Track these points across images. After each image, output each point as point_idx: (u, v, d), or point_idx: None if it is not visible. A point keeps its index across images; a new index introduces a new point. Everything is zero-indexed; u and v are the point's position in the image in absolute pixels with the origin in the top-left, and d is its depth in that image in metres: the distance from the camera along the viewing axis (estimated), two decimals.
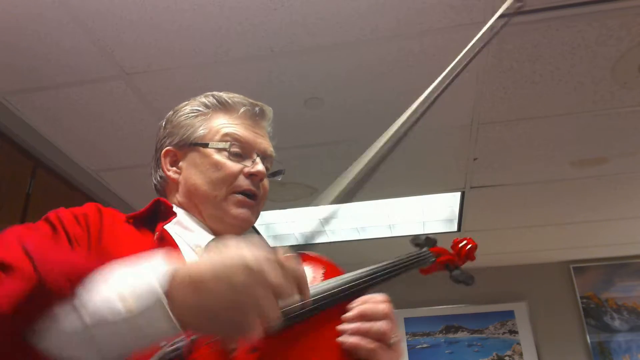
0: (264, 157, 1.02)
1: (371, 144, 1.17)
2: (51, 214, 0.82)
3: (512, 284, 3.95)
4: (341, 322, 0.80)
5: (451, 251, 1.11)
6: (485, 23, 1.77)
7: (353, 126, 2.34)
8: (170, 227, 0.91)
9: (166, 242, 0.86)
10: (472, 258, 1.09)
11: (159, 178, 1.05)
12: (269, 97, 2.13)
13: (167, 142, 1.03)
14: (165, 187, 1.04)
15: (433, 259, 1.07)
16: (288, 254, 0.62)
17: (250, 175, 0.97)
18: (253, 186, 0.98)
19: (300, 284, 0.62)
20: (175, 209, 0.97)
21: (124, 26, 1.77)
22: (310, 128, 2.34)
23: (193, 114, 1.03)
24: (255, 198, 0.98)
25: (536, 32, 1.82)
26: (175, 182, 1.01)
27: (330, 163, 2.63)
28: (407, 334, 3.91)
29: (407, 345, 3.87)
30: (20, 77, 1.97)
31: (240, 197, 0.96)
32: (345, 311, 0.82)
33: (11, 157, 2.16)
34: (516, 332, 3.82)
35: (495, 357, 3.78)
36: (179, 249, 0.87)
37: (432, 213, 3.25)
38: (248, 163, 0.98)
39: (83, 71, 1.96)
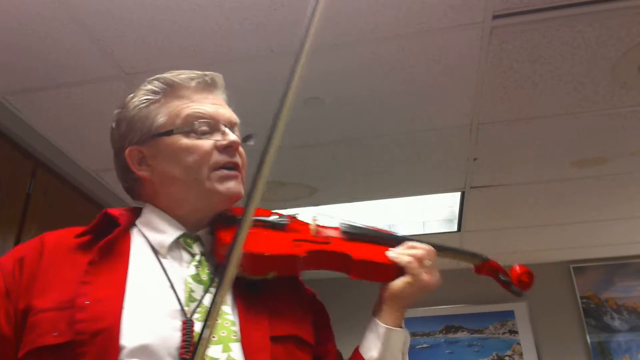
0: (231, 126, 0.98)
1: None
2: None
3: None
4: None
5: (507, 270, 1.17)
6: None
7: (353, 126, 2.34)
8: (139, 228, 0.93)
9: (108, 257, 0.84)
10: (525, 281, 1.12)
11: (130, 181, 0.99)
12: (269, 97, 2.14)
13: (127, 142, 0.97)
14: (140, 188, 0.99)
15: (486, 258, 1.14)
16: None
17: (225, 148, 0.94)
18: (230, 157, 0.94)
19: None
20: (147, 207, 0.96)
21: (124, 26, 1.77)
22: (310, 128, 2.34)
23: (144, 105, 0.96)
24: (237, 168, 0.96)
25: (536, 32, 1.82)
26: (149, 180, 0.95)
27: (330, 163, 2.63)
28: None
29: None
30: (20, 77, 1.97)
31: (222, 172, 0.93)
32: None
33: (11, 157, 2.16)
34: (516, 332, 3.82)
35: (495, 357, 3.78)
36: (122, 260, 0.85)
37: (432, 213, 3.25)
38: (218, 136, 0.94)
39: (83, 71, 1.96)
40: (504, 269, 1.14)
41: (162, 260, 0.88)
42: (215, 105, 0.98)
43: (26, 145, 2.24)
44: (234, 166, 0.95)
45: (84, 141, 2.36)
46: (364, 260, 0.95)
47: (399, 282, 0.95)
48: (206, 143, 0.93)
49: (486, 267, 1.14)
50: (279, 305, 0.89)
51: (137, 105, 0.97)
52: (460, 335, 3.87)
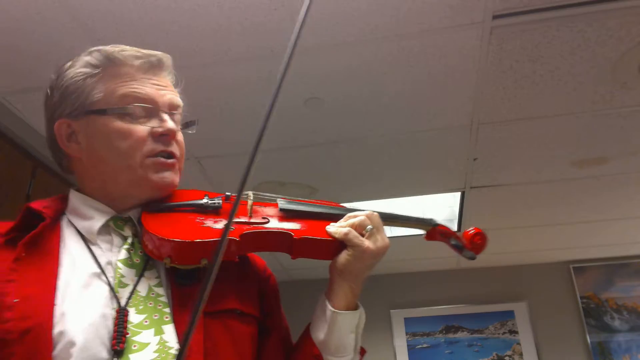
0: (172, 111, 0.93)
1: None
2: None
3: (512, 284, 3.96)
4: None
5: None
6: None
7: (353, 126, 2.34)
8: (68, 218, 0.89)
9: (35, 252, 0.81)
10: (478, 243, 1.09)
11: (59, 154, 0.95)
12: (269, 97, 2.14)
13: (58, 112, 0.92)
14: (69, 164, 0.94)
15: (435, 223, 1.10)
16: None
17: (161, 135, 0.89)
18: (166, 146, 0.89)
19: None
20: (72, 194, 0.93)
21: (124, 26, 1.77)
22: (310, 128, 2.34)
23: (81, 77, 0.90)
24: (174, 157, 0.91)
25: (536, 32, 1.82)
26: (78, 158, 0.91)
27: (330, 163, 2.63)
28: (407, 334, 3.91)
29: (407, 346, 3.87)
30: (20, 77, 1.97)
31: (157, 159, 0.88)
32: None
33: (11, 157, 2.16)
34: (516, 332, 3.82)
35: (495, 357, 3.78)
36: (52, 253, 0.82)
37: (432, 213, 3.25)
38: (155, 122, 0.89)
39: None
40: (455, 233, 1.11)
41: (92, 247, 0.84)
42: (157, 86, 0.92)
43: (26, 145, 2.24)
44: (170, 154, 0.90)
45: None
46: (303, 237, 0.89)
47: (341, 257, 0.90)
48: (141, 129, 0.87)
49: (436, 232, 1.09)
50: (218, 283, 0.84)
51: (73, 77, 0.91)
52: (460, 335, 3.87)
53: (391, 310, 3.98)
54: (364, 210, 0.95)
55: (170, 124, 0.89)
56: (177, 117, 0.94)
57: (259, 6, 1.71)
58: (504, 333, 3.84)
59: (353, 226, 0.91)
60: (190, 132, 0.98)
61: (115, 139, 0.87)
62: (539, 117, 2.28)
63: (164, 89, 0.93)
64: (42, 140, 2.35)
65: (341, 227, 0.92)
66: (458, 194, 2.96)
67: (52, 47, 1.84)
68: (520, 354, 3.75)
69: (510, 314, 3.88)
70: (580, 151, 2.53)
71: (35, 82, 2.00)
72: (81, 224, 0.87)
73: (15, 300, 0.74)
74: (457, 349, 3.82)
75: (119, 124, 0.87)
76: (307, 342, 0.92)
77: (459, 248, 1.09)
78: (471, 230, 1.09)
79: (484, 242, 1.08)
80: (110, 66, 0.91)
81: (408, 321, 3.95)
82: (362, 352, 0.95)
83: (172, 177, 0.91)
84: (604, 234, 3.52)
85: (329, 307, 0.90)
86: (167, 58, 0.96)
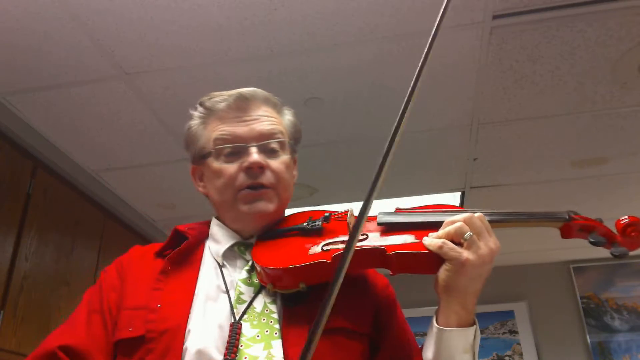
0: (263, 140, 0.98)
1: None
2: (102, 273, 0.99)
3: (512, 284, 3.95)
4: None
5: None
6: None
7: (353, 126, 2.34)
8: (208, 242, 1.01)
9: (179, 266, 0.94)
10: (633, 235, 0.88)
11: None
12: None
13: (190, 159, 1.05)
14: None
15: (568, 218, 0.90)
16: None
17: (249, 169, 0.96)
18: (253, 178, 0.95)
19: None
20: (212, 221, 1.04)
21: (124, 26, 1.77)
22: (310, 128, 2.34)
23: (194, 127, 1.03)
24: (263, 186, 0.96)
25: (536, 32, 1.82)
26: (206, 195, 1.04)
27: (330, 163, 2.63)
28: None
29: None
30: (20, 77, 1.97)
31: (245, 192, 0.96)
32: None
33: (11, 157, 2.16)
34: (516, 332, 3.82)
35: (495, 357, 3.78)
36: (193, 268, 0.95)
37: None
38: (244, 158, 0.97)
39: (83, 71, 1.96)
40: (599, 224, 0.90)
41: (223, 268, 0.95)
42: (245, 122, 0.99)
43: (26, 145, 2.24)
44: (259, 186, 0.96)
45: (84, 141, 2.36)
46: (398, 252, 0.84)
47: (440, 273, 0.82)
48: (232, 166, 0.97)
49: (573, 228, 0.89)
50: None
51: (188, 129, 1.04)
52: None
53: None
54: (464, 212, 0.85)
55: (254, 157, 0.95)
56: (274, 144, 0.99)
57: (259, 6, 1.71)
58: (504, 333, 3.84)
59: (449, 236, 0.82)
60: (294, 155, 1.08)
61: (214, 178, 0.98)
62: (539, 117, 2.28)
63: (253, 121, 0.99)
64: (42, 140, 2.36)
65: (434, 239, 0.83)
66: (458, 194, 2.96)
67: (52, 47, 1.84)
68: (520, 354, 3.75)
69: (510, 314, 3.87)
70: (580, 151, 2.53)
71: (35, 82, 2.00)
72: (213, 247, 0.99)
73: (158, 306, 0.88)
74: None
75: (215, 165, 0.98)
76: None
77: (603, 244, 0.88)
78: (624, 219, 0.88)
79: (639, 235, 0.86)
80: (208, 114, 1.02)
81: (408, 321, 3.94)
82: None
83: (264, 205, 0.96)
84: None
85: (434, 323, 0.85)
86: (251, 92, 1.02)
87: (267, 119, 1.01)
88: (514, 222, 0.91)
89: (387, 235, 0.90)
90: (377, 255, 0.86)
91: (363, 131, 2.38)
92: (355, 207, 0.98)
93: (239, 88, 1.04)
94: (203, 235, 1.02)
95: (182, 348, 0.82)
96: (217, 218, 1.04)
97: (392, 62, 1.96)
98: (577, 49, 1.90)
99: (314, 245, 0.90)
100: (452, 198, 3.02)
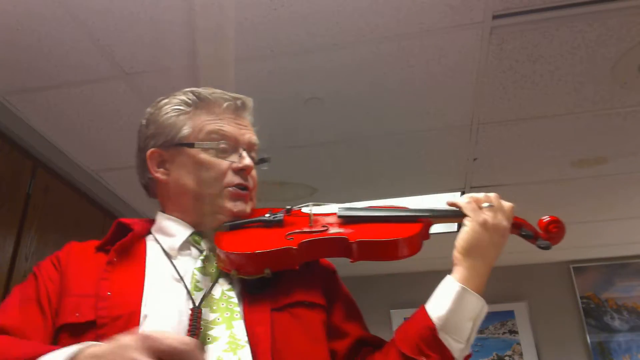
0: (250, 149, 1.05)
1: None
2: (35, 268, 0.98)
3: (512, 284, 3.95)
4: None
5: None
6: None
7: (353, 126, 2.34)
8: (153, 236, 1.01)
9: (125, 257, 0.94)
10: (553, 231, 1.04)
11: (146, 179, 1.07)
12: (269, 97, 2.14)
13: (152, 143, 1.04)
14: (155, 187, 1.07)
15: None
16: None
17: (239, 170, 1.00)
18: (243, 180, 1.01)
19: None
20: (159, 215, 1.04)
21: (123, 25, 1.77)
22: (310, 128, 2.34)
23: (175, 113, 1.03)
24: (247, 189, 1.02)
25: (536, 32, 1.82)
26: (165, 183, 1.03)
27: (330, 163, 2.63)
28: None
29: None
30: (20, 76, 1.97)
31: (235, 190, 0.99)
32: None
33: (11, 157, 2.16)
34: (516, 332, 3.82)
35: (495, 357, 3.78)
36: (139, 259, 0.95)
37: None
38: (235, 158, 1.01)
39: (83, 71, 1.96)
40: (526, 222, 1.06)
41: (174, 260, 0.96)
42: (238, 126, 1.04)
43: (26, 145, 2.24)
44: (245, 187, 1.01)
45: (84, 141, 2.36)
46: (358, 240, 0.94)
47: (461, 231, 0.95)
48: (223, 162, 1.00)
49: None
50: (283, 282, 0.94)
51: (168, 112, 1.04)
52: None
53: (391, 310, 3.98)
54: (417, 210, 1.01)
55: (247, 160, 1.01)
56: (253, 154, 1.06)
57: (259, 6, 1.71)
58: (504, 333, 3.84)
59: (473, 198, 0.99)
60: (263, 168, 1.10)
61: (200, 168, 0.99)
62: (539, 117, 2.28)
63: (245, 128, 1.05)
64: (42, 140, 2.36)
65: (461, 198, 0.99)
66: (458, 194, 2.96)
67: (52, 47, 1.84)
68: (520, 354, 3.75)
69: (510, 314, 3.87)
70: (580, 151, 2.53)
71: (35, 82, 2.00)
72: (165, 240, 0.99)
73: (108, 294, 0.88)
74: None
75: (204, 157, 0.99)
76: (421, 315, 0.91)
77: (530, 237, 1.05)
78: (546, 217, 1.05)
79: (562, 231, 1.03)
80: (200, 105, 1.04)
81: None
82: (468, 357, 0.92)
83: (245, 206, 1.01)
84: (604, 234, 3.52)
85: (457, 283, 0.90)
86: (249, 101, 1.09)
87: (252, 130, 1.08)
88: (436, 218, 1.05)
89: (346, 227, 0.99)
90: (339, 244, 0.95)
91: (363, 131, 2.38)
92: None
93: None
94: (145, 232, 1.02)
95: (139, 325, 0.84)
96: (164, 212, 1.04)
97: (392, 62, 1.96)
98: (577, 49, 1.90)
99: (277, 234, 0.96)
100: (452, 198, 3.01)
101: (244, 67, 1.96)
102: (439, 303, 0.90)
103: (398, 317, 3.94)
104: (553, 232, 1.04)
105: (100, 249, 0.98)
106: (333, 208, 1.04)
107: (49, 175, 2.37)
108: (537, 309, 3.86)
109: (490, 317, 3.87)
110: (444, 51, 1.90)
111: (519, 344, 3.79)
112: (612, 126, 2.34)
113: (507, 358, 3.76)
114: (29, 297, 0.91)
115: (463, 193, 2.92)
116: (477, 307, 0.90)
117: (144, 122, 1.09)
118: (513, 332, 3.83)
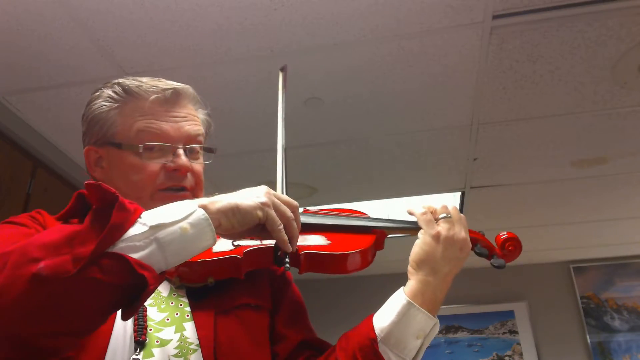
0: (189, 143, 0.96)
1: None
2: (12, 218, 0.87)
3: (512, 284, 3.95)
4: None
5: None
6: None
7: (353, 126, 2.34)
8: None
9: None
10: (510, 249, 0.98)
11: (90, 176, 1.00)
12: (269, 97, 2.14)
13: (87, 140, 0.99)
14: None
15: None
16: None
17: (174, 171, 0.92)
18: (177, 181, 0.93)
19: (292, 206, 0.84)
20: None
21: (124, 26, 1.77)
22: (310, 128, 2.34)
23: (104, 109, 0.95)
24: (185, 189, 0.94)
25: (536, 32, 1.82)
26: (102, 181, 0.94)
27: (330, 163, 2.63)
28: None
29: None
30: (20, 77, 1.97)
31: (167, 193, 0.92)
32: None
33: (11, 157, 2.16)
34: (516, 332, 3.82)
35: (495, 357, 3.78)
36: None
37: None
38: (169, 157, 0.93)
39: (83, 71, 1.96)
40: (483, 237, 1.01)
41: None
42: (174, 118, 0.95)
43: (26, 145, 2.24)
44: (181, 188, 0.93)
45: None
46: (308, 252, 0.88)
47: (415, 245, 0.91)
48: (154, 165, 0.91)
49: None
50: (230, 285, 0.90)
51: (97, 108, 0.96)
52: (460, 335, 3.86)
53: None
54: (368, 218, 0.96)
55: (182, 159, 0.92)
56: (196, 146, 0.97)
57: (259, 6, 1.71)
58: (504, 333, 3.84)
59: (429, 209, 0.94)
60: (206, 162, 1.01)
61: (129, 172, 0.91)
62: (539, 117, 2.28)
63: (182, 120, 0.96)
64: (42, 140, 2.36)
65: (420, 208, 0.94)
66: (458, 194, 2.96)
67: (52, 47, 1.84)
68: (520, 354, 3.75)
69: (510, 314, 3.87)
70: (580, 151, 2.53)
71: (35, 82, 2.00)
72: None
73: None
74: (457, 349, 3.82)
75: (133, 159, 0.91)
76: (366, 325, 0.88)
77: (485, 255, 0.99)
78: (503, 234, 1.00)
79: (518, 249, 0.98)
80: (129, 100, 0.95)
81: None
82: None
83: None
84: (604, 234, 3.52)
85: (404, 296, 0.87)
86: (185, 88, 0.99)
87: (193, 119, 0.98)
88: (392, 229, 0.99)
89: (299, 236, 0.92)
90: (289, 255, 0.87)
91: (363, 131, 2.38)
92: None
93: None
94: None
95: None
96: None
97: (392, 62, 1.96)
98: (577, 49, 1.90)
99: (223, 242, 0.90)
100: (452, 198, 3.02)
101: (244, 67, 1.96)
102: (384, 314, 0.87)
103: None
104: (509, 250, 0.98)
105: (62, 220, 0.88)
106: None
107: (49, 175, 2.37)
108: (537, 309, 3.86)
109: (490, 317, 3.87)
110: (444, 51, 1.90)
111: (519, 344, 3.79)
112: (612, 126, 2.34)
113: (507, 358, 3.76)
114: (27, 233, 0.81)
115: (463, 193, 2.92)
116: (424, 324, 0.86)
117: (82, 116, 1.02)
118: (513, 332, 3.83)
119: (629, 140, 2.45)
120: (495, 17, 1.75)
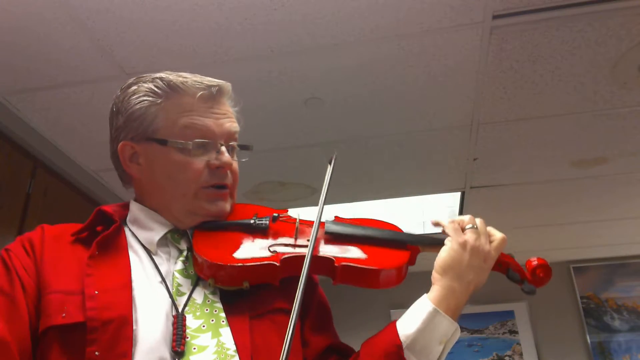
0: (230, 140, 0.96)
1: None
2: (3, 253, 0.86)
3: (512, 284, 3.93)
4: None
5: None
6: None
7: (353, 126, 2.34)
8: (128, 227, 0.94)
9: (107, 251, 0.87)
10: (540, 276, 1.00)
11: (120, 171, 0.99)
12: (269, 97, 2.14)
13: (122, 135, 0.96)
14: (130, 180, 0.99)
15: None
16: None
17: (217, 168, 0.93)
18: (221, 179, 0.94)
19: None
20: (134, 205, 0.97)
21: (124, 26, 1.77)
22: (310, 128, 2.34)
23: (145, 104, 0.93)
24: (227, 187, 0.95)
25: (536, 32, 1.82)
26: (138, 179, 0.96)
27: None
28: None
29: None
30: (20, 77, 1.97)
31: (211, 190, 0.93)
32: None
33: (11, 157, 2.16)
34: (516, 332, 3.82)
35: (495, 357, 3.78)
36: (123, 254, 0.88)
37: (432, 213, 3.25)
38: (212, 154, 0.93)
39: (83, 71, 1.96)
40: (516, 263, 1.04)
41: (154, 257, 0.90)
42: (216, 116, 0.95)
43: (26, 145, 2.24)
44: (224, 186, 0.95)
45: (84, 141, 2.36)
46: (344, 265, 0.88)
47: (441, 252, 0.93)
48: (199, 161, 0.92)
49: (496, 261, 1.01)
50: (263, 290, 0.90)
51: (136, 103, 0.94)
52: (460, 335, 3.86)
53: (391, 310, 3.97)
54: (397, 231, 0.99)
55: (226, 157, 0.93)
56: (234, 143, 0.98)
57: (259, 6, 1.71)
58: (504, 333, 3.84)
59: (457, 220, 0.97)
60: (243, 159, 1.01)
61: (173, 169, 0.91)
62: (539, 117, 2.28)
63: (223, 117, 0.96)
64: (42, 140, 2.36)
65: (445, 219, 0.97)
66: (458, 194, 2.96)
67: (52, 47, 1.84)
68: (520, 354, 3.75)
69: (510, 314, 3.87)
70: (580, 151, 2.53)
71: (35, 82, 2.00)
72: (142, 235, 0.92)
73: (95, 292, 0.80)
74: (457, 349, 3.82)
75: (178, 156, 0.91)
76: (390, 331, 0.89)
77: (517, 281, 1.01)
78: (534, 260, 1.02)
79: (548, 276, 1.00)
80: (172, 95, 0.93)
81: None
82: None
83: (225, 205, 0.95)
84: (604, 234, 3.52)
85: (430, 303, 0.88)
86: (226, 86, 0.99)
87: (231, 116, 0.99)
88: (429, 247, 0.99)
89: (334, 245, 0.93)
90: (324, 264, 0.89)
91: (363, 131, 2.38)
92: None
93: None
94: (122, 219, 0.95)
95: (132, 339, 0.77)
96: (138, 202, 0.97)
97: (392, 62, 1.96)
98: (577, 49, 1.90)
99: (259, 245, 0.90)
100: (452, 198, 3.02)
101: (244, 67, 1.96)
102: (409, 321, 0.88)
103: (398, 317, 3.94)
104: (539, 276, 1.00)
105: (78, 237, 0.90)
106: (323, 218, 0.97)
107: (49, 175, 2.37)
108: (537, 309, 3.86)
109: (490, 317, 3.87)
110: (444, 51, 1.90)
111: (519, 344, 3.79)
112: (612, 126, 2.34)
113: (507, 358, 3.76)
114: (3, 292, 0.81)
115: (463, 193, 2.92)
116: (448, 330, 0.88)
117: (114, 108, 1.00)
118: (513, 332, 3.83)
119: (629, 140, 2.45)
120: (495, 17, 1.75)
